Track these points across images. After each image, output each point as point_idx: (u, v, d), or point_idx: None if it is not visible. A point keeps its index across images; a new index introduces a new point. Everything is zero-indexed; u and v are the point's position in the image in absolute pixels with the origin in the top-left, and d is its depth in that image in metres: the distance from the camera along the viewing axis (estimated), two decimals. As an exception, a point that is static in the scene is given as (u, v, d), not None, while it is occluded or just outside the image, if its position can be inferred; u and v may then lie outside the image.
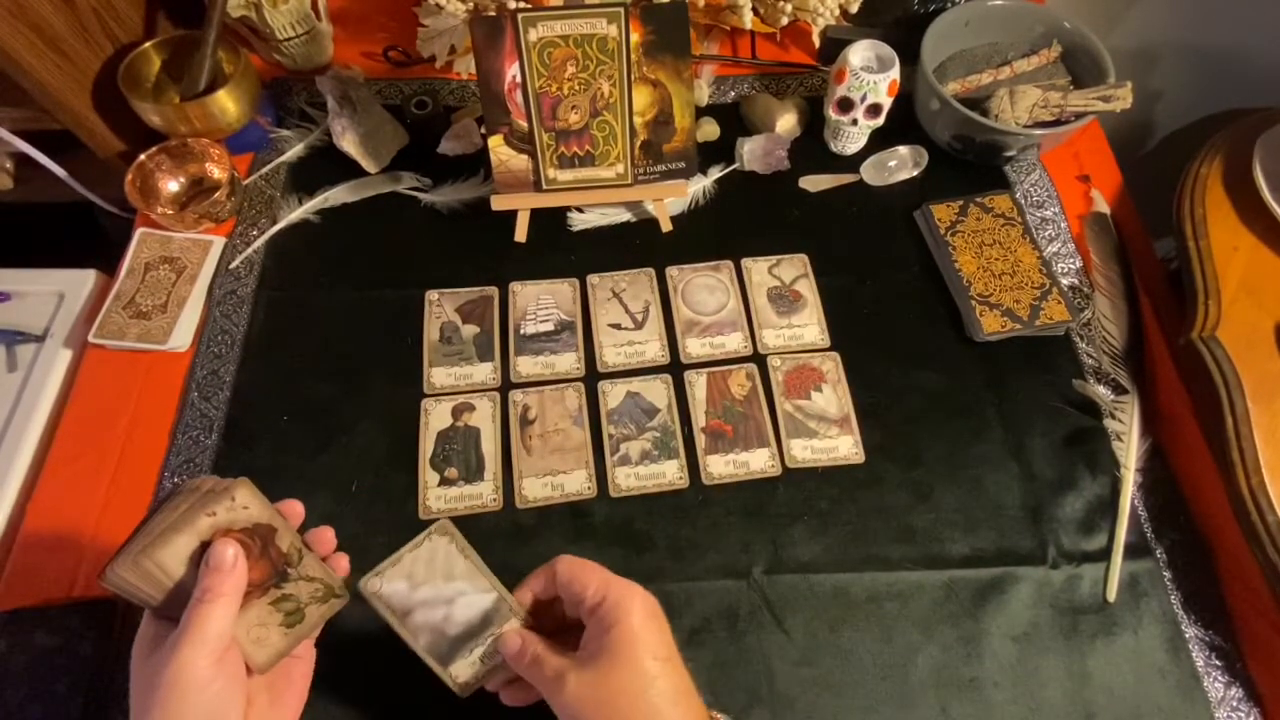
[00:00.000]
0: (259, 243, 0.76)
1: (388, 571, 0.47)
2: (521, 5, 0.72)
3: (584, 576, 0.44)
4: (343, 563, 0.47)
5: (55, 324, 0.72)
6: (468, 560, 0.48)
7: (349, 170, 0.79)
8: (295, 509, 0.46)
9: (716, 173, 0.81)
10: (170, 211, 0.74)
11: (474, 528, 0.60)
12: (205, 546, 0.40)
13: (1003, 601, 0.61)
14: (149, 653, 0.39)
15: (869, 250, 0.78)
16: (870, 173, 0.82)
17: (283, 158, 0.81)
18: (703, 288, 0.75)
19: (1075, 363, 0.72)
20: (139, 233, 0.75)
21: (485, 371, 0.70)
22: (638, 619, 0.43)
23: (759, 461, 0.66)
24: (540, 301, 0.74)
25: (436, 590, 0.47)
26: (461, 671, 0.47)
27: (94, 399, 0.68)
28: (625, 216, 0.79)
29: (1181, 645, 0.60)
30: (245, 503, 0.42)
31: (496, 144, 0.71)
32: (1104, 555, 0.63)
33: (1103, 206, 0.80)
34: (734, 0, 0.79)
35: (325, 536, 0.47)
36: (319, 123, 0.82)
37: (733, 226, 0.79)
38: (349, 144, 0.78)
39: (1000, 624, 0.60)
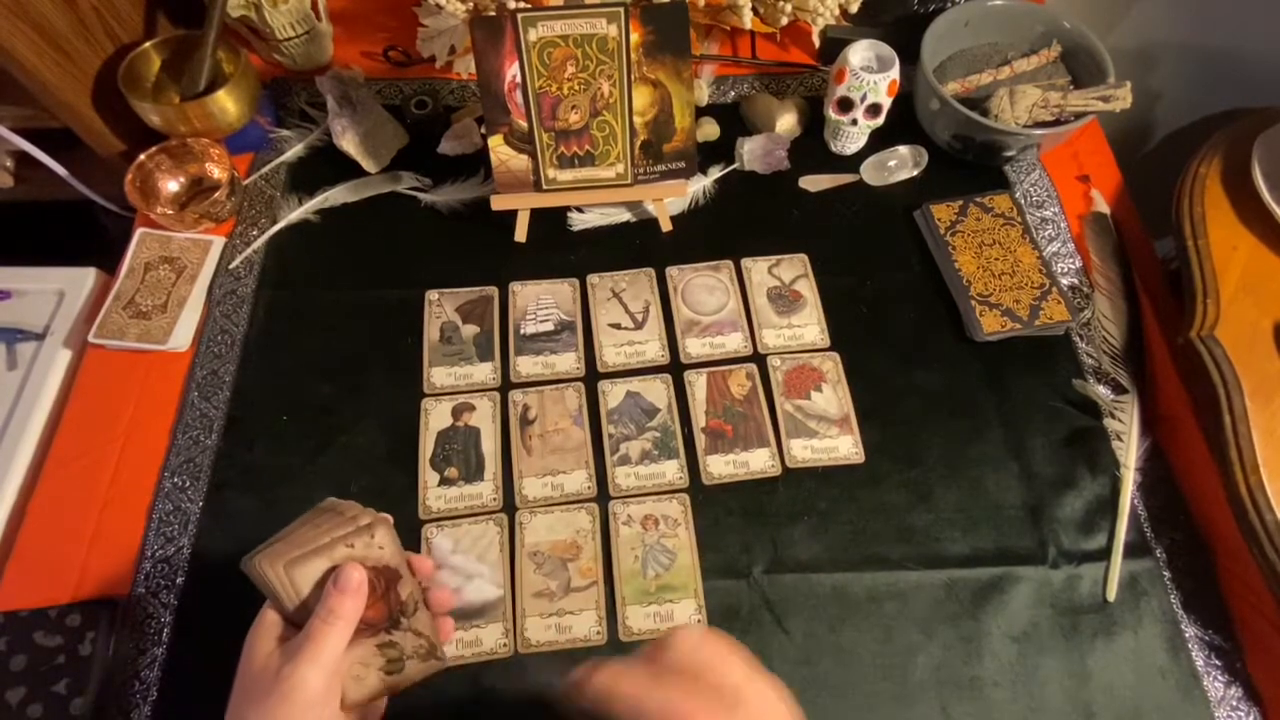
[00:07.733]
0: (259, 243, 0.76)
1: (449, 527, 0.59)
2: (521, 5, 0.72)
3: (612, 705, 0.36)
4: (448, 626, 0.47)
5: (55, 322, 0.72)
6: (502, 554, 0.59)
7: (349, 170, 0.79)
8: (425, 566, 0.46)
9: (716, 173, 0.81)
10: (170, 211, 0.74)
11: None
12: (334, 569, 0.42)
13: (1003, 601, 0.61)
14: (267, 645, 0.41)
15: (869, 250, 0.78)
16: (870, 173, 0.82)
17: (283, 158, 0.81)
18: (703, 288, 0.75)
19: (1075, 362, 0.72)
20: (139, 233, 0.74)
21: (485, 371, 0.70)
22: None
23: (759, 461, 0.66)
24: (540, 301, 0.74)
25: (467, 562, 0.58)
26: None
27: (94, 399, 0.68)
28: (625, 216, 0.79)
29: (1181, 645, 0.60)
30: (382, 543, 0.43)
31: (496, 144, 0.71)
32: (1104, 555, 0.63)
33: (1102, 206, 0.80)
34: (734, 0, 0.79)
35: (443, 597, 0.47)
36: (319, 123, 0.82)
37: (733, 226, 0.79)
38: (349, 144, 0.78)
39: (1000, 623, 0.60)
